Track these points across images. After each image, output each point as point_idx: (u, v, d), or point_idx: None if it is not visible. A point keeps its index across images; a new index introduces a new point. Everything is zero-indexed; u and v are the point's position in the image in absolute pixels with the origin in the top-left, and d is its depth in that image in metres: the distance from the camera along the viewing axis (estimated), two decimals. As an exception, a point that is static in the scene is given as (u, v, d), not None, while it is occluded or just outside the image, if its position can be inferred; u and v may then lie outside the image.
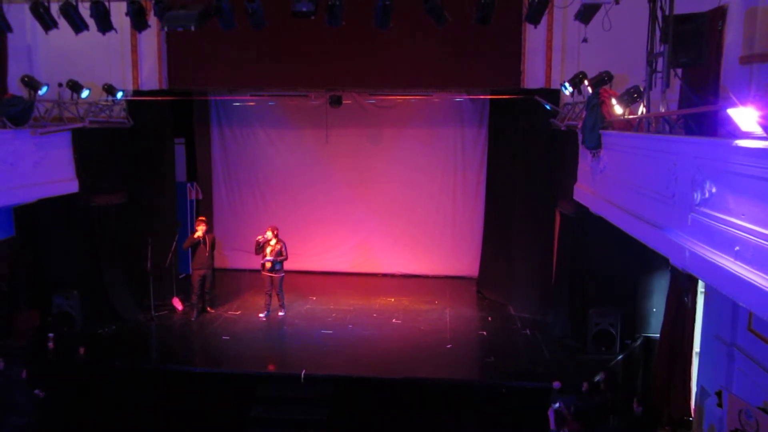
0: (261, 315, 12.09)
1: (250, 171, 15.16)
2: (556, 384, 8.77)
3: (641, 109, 7.87)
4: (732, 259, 4.73)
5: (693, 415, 8.93)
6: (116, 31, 8.73)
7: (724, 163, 5.00)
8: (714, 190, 5.16)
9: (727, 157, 4.98)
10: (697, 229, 5.42)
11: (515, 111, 12.11)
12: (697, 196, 5.43)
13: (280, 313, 12.20)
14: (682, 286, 8.94)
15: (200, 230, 11.87)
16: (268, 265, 11.82)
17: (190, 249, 12.25)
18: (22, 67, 10.98)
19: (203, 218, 12.45)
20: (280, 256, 11.81)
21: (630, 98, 8.00)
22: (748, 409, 6.66)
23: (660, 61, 7.45)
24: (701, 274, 5.47)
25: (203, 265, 11.95)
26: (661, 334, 9.54)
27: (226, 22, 8.17)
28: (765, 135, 4.56)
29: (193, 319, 11.95)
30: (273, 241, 11.84)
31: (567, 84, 10.30)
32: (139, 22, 8.49)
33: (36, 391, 8.53)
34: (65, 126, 10.63)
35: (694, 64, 7.32)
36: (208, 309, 12.28)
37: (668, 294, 9.36)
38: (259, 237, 11.88)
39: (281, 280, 12.01)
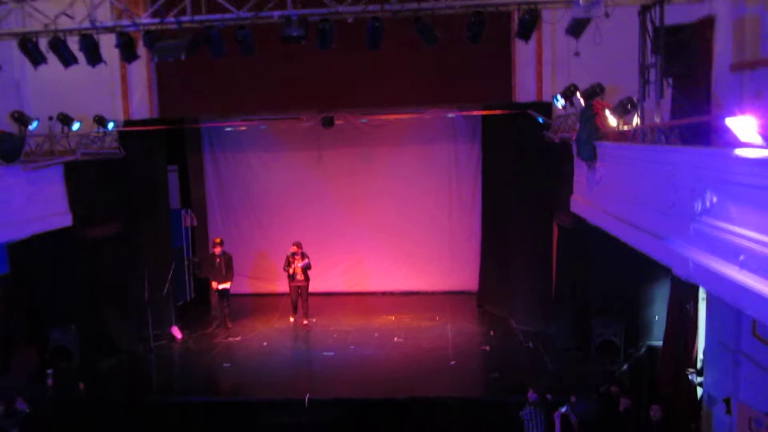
0: (290, 319, 13.02)
1: (244, 195, 15.12)
2: (532, 395, 8.68)
3: (636, 120, 7.89)
4: (737, 269, 4.71)
5: (700, 422, 8.91)
6: (105, 63, 8.68)
7: (725, 173, 5.00)
8: (715, 199, 5.16)
9: (727, 167, 4.98)
10: (700, 239, 5.40)
11: (508, 125, 12.13)
12: (698, 206, 5.42)
13: (305, 322, 12.89)
14: (683, 294, 8.94)
15: (217, 250, 12.71)
16: (300, 273, 12.72)
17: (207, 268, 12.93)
18: (11, 103, 10.94)
19: (218, 240, 13.03)
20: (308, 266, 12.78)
21: (624, 109, 8.02)
22: (759, 417, 6.61)
23: (652, 71, 7.48)
24: (705, 284, 5.45)
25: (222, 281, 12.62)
26: (664, 342, 9.52)
27: (215, 50, 8.15)
28: (765, 144, 4.56)
29: (209, 330, 12.61)
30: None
31: (559, 96, 10.32)
32: (128, 54, 8.46)
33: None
34: (57, 159, 10.57)
35: (686, 74, 7.37)
36: (228, 324, 12.80)
37: (669, 302, 9.35)
38: (290, 253, 12.81)
39: (307, 289, 12.91)
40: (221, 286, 12.68)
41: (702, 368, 8.54)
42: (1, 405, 8.49)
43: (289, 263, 12.77)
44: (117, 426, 9.50)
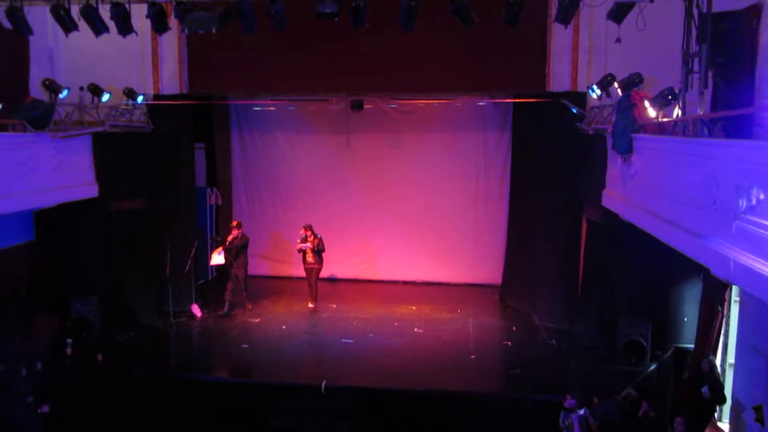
0: (310, 305, 12.89)
1: (269, 176, 15.06)
2: (570, 401, 8.41)
3: (676, 112, 7.58)
4: (784, 271, 4.46)
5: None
6: (137, 34, 8.64)
7: (776, 168, 4.71)
8: (762, 196, 4.87)
9: (777, 162, 4.70)
10: (743, 238, 5.12)
11: (540, 115, 11.83)
12: (743, 203, 5.14)
13: (310, 305, 12.81)
14: (716, 295, 8.63)
15: (235, 232, 12.35)
16: (309, 255, 12.61)
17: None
18: (44, 71, 10.99)
19: (235, 222, 12.73)
20: (319, 248, 12.64)
21: (664, 100, 7.73)
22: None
23: (696, 61, 7.16)
24: (748, 286, 5.16)
25: (239, 265, 12.34)
26: (695, 344, 9.22)
27: (247, 24, 8.04)
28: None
29: (221, 313, 12.34)
30: (311, 237, 12.58)
31: (595, 86, 10.04)
32: (159, 25, 8.39)
33: (43, 408, 8.36)
34: (86, 130, 10.59)
35: (731, 65, 7.03)
36: (248, 305, 12.66)
37: (701, 303, 9.05)
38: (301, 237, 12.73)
39: (318, 272, 12.83)
40: (233, 271, 12.42)
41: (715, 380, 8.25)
42: (23, 368, 8.52)
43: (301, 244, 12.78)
44: (132, 399, 9.50)
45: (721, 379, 8.50)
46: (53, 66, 11.48)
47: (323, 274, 13.37)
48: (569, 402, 8.29)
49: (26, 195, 9.20)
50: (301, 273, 13.17)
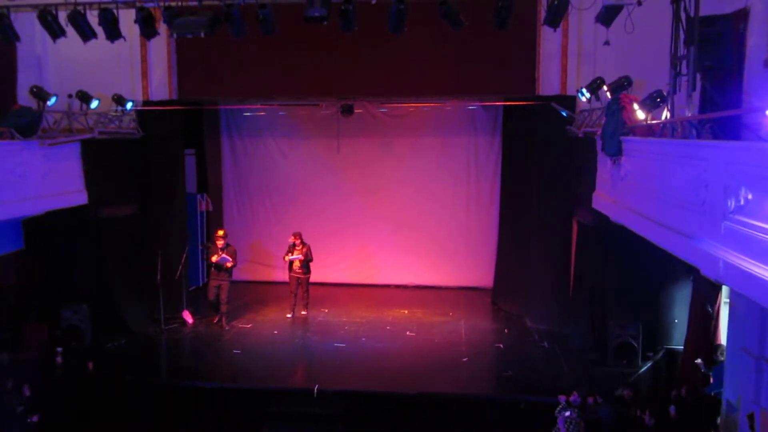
0: (288, 315, 12.55)
1: (260, 182, 15.02)
2: (562, 398, 8.47)
3: (665, 114, 7.63)
4: (773, 270, 4.48)
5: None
6: (125, 40, 8.60)
7: (763, 169, 4.74)
8: (750, 196, 4.90)
9: (764, 163, 4.73)
10: (732, 238, 5.15)
11: (530, 118, 11.88)
12: (731, 204, 5.17)
13: (303, 312, 12.60)
14: (706, 296, 8.68)
15: (219, 243, 11.91)
16: (297, 264, 12.32)
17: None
18: (32, 78, 10.91)
19: (220, 232, 12.21)
20: (307, 258, 12.35)
21: (653, 103, 7.77)
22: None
23: (684, 64, 7.21)
24: (737, 285, 5.19)
25: (219, 277, 11.94)
26: (685, 345, 9.27)
27: (236, 28, 8.02)
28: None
29: (215, 322, 12.10)
30: (300, 246, 12.30)
31: (584, 90, 10.09)
32: (148, 30, 8.36)
33: (33, 418, 8.27)
34: (74, 137, 10.53)
35: (719, 68, 7.09)
36: (221, 323, 12.06)
37: (691, 304, 9.11)
38: (290, 243, 12.41)
39: (307, 281, 12.58)
40: (218, 282, 11.92)
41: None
42: (9, 382, 8.43)
43: (288, 253, 12.47)
44: (124, 407, 9.43)
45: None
46: (41, 73, 11.39)
47: (315, 278, 13.28)
48: (574, 398, 8.32)
49: (14, 203, 9.09)
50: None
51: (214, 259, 11.90)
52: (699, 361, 8.31)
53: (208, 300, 12.17)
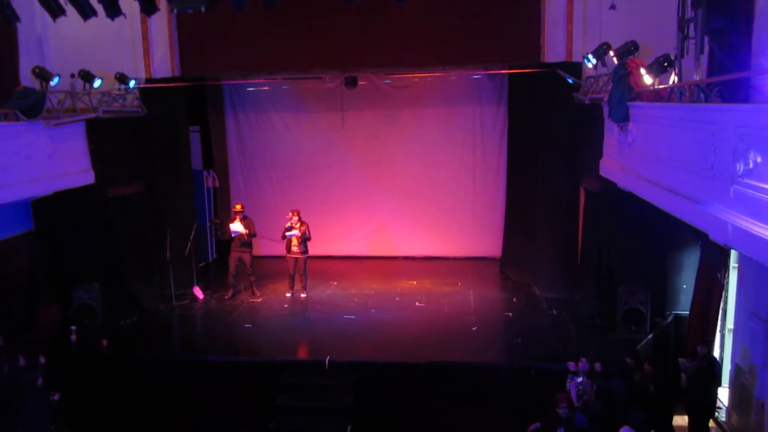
0: (287, 295, 12.37)
1: (266, 156, 15.00)
2: (571, 365, 8.52)
3: (672, 79, 7.53)
4: (782, 233, 4.46)
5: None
6: (125, 17, 8.52)
7: (772, 131, 4.70)
8: (759, 159, 4.87)
9: (774, 125, 4.69)
10: (741, 202, 5.13)
11: (535, 86, 11.76)
12: (740, 167, 5.14)
13: (303, 295, 12.34)
14: (714, 262, 8.66)
15: (238, 216, 12.09)
16: (295, 242, 12.01)
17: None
18: (34, 58, 10.86)
19: (237, 207, 12.38)
20: (305, 236, 12.02)
21: (660, 67, 7.67)
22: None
23: (691, 27, 7.10)
24: (746, 249, 5.18)
25: (241, 249, 12.16)
26: (690, 310, 9.27)
27: (237, 2, 7.94)
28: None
29: (227, 298, 12.25)
30: (297, 224, 12.01)
31: (590, 56, 9.96)
32: (148, 6, 8.28)
33: (54, 396, 8.39)
34: (79, 117, 10.51)
35: (728, 30, 6.96)
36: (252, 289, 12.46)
37: (698, 270, 9.09)
38: (288, 224, 12.06)
39: (305, 261, 12.22)
40: (239, 255, 12.20)
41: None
42: (23, 358, 8.55)
43: (285, 231, 12.12)
44: (139, 383, 9.57)
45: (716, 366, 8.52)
46: (43, 53, 11.34)
47: (323, 251, 13.33)
48: (583, 364, 8.36)
49: (22, 184, 9.14)
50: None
51: (232, 227, 12.11)
52: (682, 360, 8.32)
53: (228, 271, 12.36)
